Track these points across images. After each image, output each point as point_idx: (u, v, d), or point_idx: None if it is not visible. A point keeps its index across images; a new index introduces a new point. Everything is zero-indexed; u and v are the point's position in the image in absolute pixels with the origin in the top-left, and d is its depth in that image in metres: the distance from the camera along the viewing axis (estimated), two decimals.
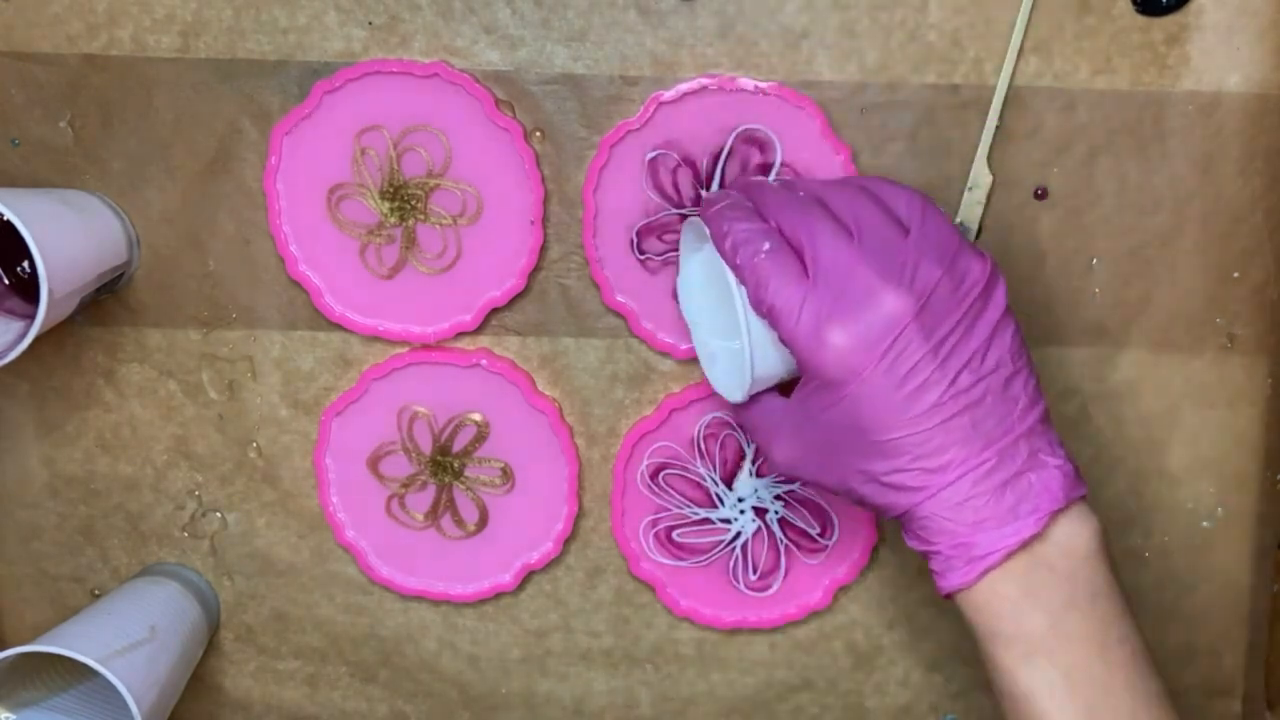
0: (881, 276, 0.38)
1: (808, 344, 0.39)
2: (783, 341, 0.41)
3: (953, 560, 0.39)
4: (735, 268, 0.41)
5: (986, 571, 0.39)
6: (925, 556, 0.40)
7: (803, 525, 0.55)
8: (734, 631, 0.57)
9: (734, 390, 0.45)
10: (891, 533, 0.56)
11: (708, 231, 0.43)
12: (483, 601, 0.56)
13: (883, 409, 0.38)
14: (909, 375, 0.38)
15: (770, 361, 0.43)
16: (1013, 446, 0.39)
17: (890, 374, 0.38)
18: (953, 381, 0.38)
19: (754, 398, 0.45)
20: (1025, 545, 0.39)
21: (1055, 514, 0.39)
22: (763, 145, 0.52)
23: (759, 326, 0.42)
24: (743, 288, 0.42)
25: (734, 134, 0.52)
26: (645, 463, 0.55)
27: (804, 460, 0.42)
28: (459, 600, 0.56)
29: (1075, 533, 0.39)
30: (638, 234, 0.53)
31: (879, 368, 0.38)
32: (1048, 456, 0.39)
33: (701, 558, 0.56)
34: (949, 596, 0.40)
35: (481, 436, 0.55)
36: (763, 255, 0.40)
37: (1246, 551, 0.56)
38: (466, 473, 0.55)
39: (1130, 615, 0.40)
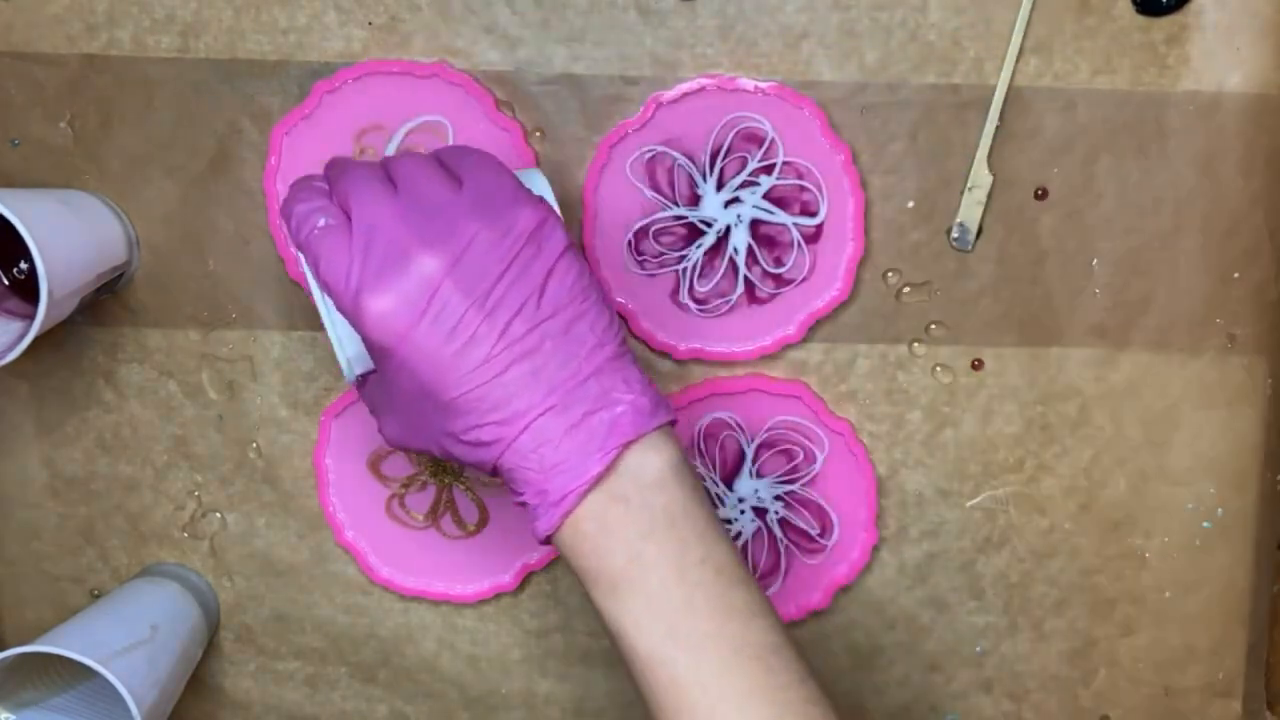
0: (416, 236, 0.38)
1: (353, 314, 0.39)
2: (341, 314, 0.40)
3: (538, 509, 0.39)
4: (299, 248, 0.40)
5: (567, 513, 0.39)
6: (522, 509, 0.40)
7: (803, 526, 0.55)
8: None
9: (342, 364, 0.44)
10: (892, 533, 0.56)
11: None
12: (483, 601, 0.56)
13: (437, 369, 0.38)
14: (454, 332, 0.38)
15: (360, 340, 0.42)
16: (579, 388, 0.39)
17: (434, 333, 0.38)
18: (504, 332, 0.38)
19: (364, 379, 0.44)
20: (598, 483, 0.39)
21: (624, 447, 0.39)
22: (762, 143, 0.52)
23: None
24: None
25: (732, 130, 0.52)
26: None
27: (404, 432, 0.42)
28: (459, 600, 0.56)
29: (646, 462, 0.39)
30: (635, 235, 0.53)
31: (420, 328, 0.38)
32: (621, 394, 0.39)
33: None
34: (546, 543, 0.40)
35: None
36: (316, 232, 0.39)
37: (1246, 551, 0.56)
38: (466, 473, 0.55)
39: (717, 534, 0.40)
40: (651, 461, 0.39)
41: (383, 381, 0.42)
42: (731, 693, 0.38)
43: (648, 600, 0.39)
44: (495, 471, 0.40)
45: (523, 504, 0.40)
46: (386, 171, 0.41)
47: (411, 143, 0.52)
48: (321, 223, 0.40)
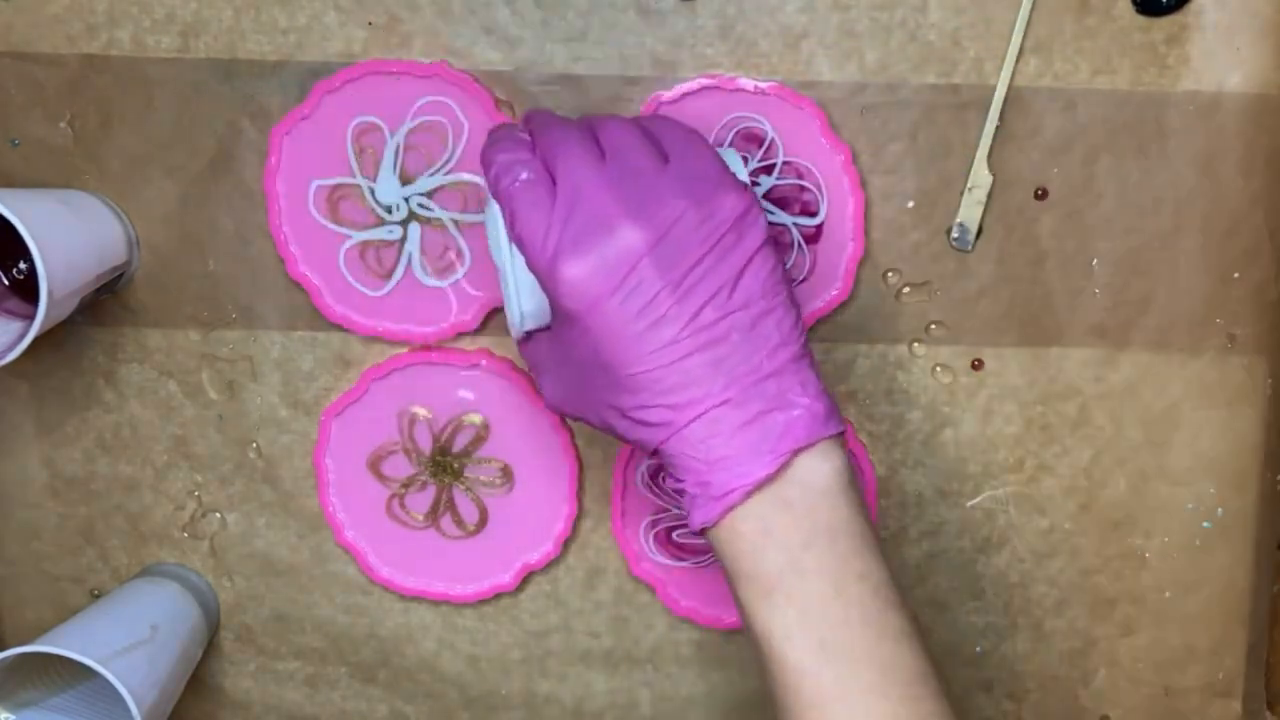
0: (622, 206, 0.38)
1: (547, 275, 0.38)
2: (533, 272, 0.40)
3: (697, 499, 0.39)
4: (496, 197, 0.40)
5: (729, 510, 0.38)
6: (679, 495, 0.40)
7: None
8: (734, 632, 0.57)
9: (512, 328, 0.44)
10: (891, 533, 0.56)
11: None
12: (483, 601, 0.56)
13: (621, 343, 0.38)
14: (646, 309, 0.37)
15: (540, 297, 0.42)
16: (758, 385, 0.38)
17: (626, 307, 0.37)
18: (694, 317, 0.37)
19: (531, 335, 0.44)
20: (765, 484, 0.38)
21: (796, 453, 0.38)
22: (762, 143, 0.52)
23: (525, 261, 0.41)
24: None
25: (732, 130, 0.52)
26: (645, 463, 0.55)
27: (567, 398, 0.42)
28: (459, 600, 0.56)
29: (815, 469, 0.38)
30: None
31: (613, 300, 0.37)
32: (797, 397, 0.38)
33: (702, 558, 0.55)
34: (700, 534, 0.40)
35: (481, 437, 0.55)
36: (518, 184, 0.39)
37: (1246, 551, 0.56)
38: (466, 473, 0.55)
39: (875, 552, 0.39)
40: (821, 469, 0.39)
41: (557, 343, 0.41)
42: (874, 713, 0.38)
43: (802, 611, 0.38)
44: (656, 453, 0.39)
45: (680, 491, 0.39)
46: (593, 133, 0.40)
47: (412, 143, 0.52)
48: (525, 175, 0.39)
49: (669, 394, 0.38)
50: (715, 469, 0.38)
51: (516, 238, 0.39)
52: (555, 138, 0.40)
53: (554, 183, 0.39)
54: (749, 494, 0.38)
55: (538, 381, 0.44)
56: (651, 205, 0.38)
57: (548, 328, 0.43)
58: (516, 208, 0.39)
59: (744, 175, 0.42)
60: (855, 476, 0.40)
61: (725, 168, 0.40)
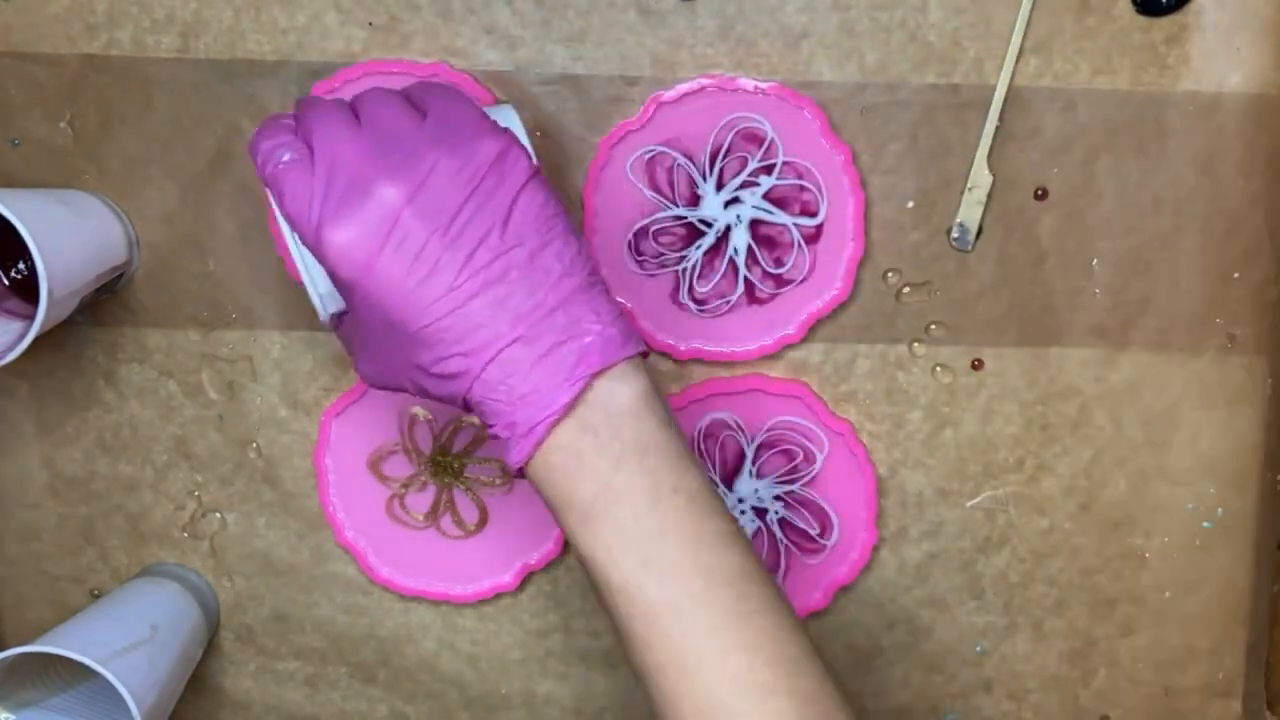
0: (377, 167, 0.38)
1: (316, 249, 0.38)
2: (306, 248, 0.40)
3: (509, 441, 0.39)
4: (264, 184, 0.40)
5: (537, 444, 0.39)
6: (495, 441, 0.40)
7: (803, 526, 0.55)
8: None
9: (320, 315, 0.44)
10: (891, 533, 0.56)
11: None
12: (483, 601, 0.56)
13: (402, 300, 0.38)
14: (417, 261, 0.38)
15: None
16: (546, 319, 0.38)
17: (396, 263, 0.38)
18: (467, 261, 0.38)
19: (340, 318, 0.44)
20: (567, 413, 0.38)
21: (593, 378, 0.38)
22: (762, 143, 0.52)
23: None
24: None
25: (732, 130, 0.52)
26: None
27: (378, 371, 0.42)
28: (459, 600, 0.56)
29: (615, 391, 0.39)
30: (634, 235, 0.53)
31: (382, 258, 0.38)
32: (590, 324, 0.39)
33: None
34: (521, 475, 0.40)
35: (481, 437, 0.55)
36: (280, 166, 0.39)
37: (1246, 551, 0.56)
38: (466, 473, 0.55)
39: (687, 463, 0.40)
40: (621, 391, 0.39)
41: (353, 319, 0.41)
42: (704, 620, 0.38)
43: (619, 530, 0.39)
44: (468, 407, 0.40)
45: (495, 437, 0.40)
46: (352, 107, 0.41)
47: None
48: (286, 157, 0.39)
49: (460, 341, 0.38)
50: (518, 407, 0.38)
51: (285, 216, 0.39)
52: (311, 114, 0.40)
53: (313, 158, 0.39)
54: (553, 425, 0.38)
55: (353, 359, 0.44)
56: (405, 161, 0.38)
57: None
58: (282, 188, 0.39)
59: (517, 128, 0.43)
60: (659, 394, 0.40)
61: (483, 116, 0.40)
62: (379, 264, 0.38)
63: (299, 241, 0.41)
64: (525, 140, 0.43)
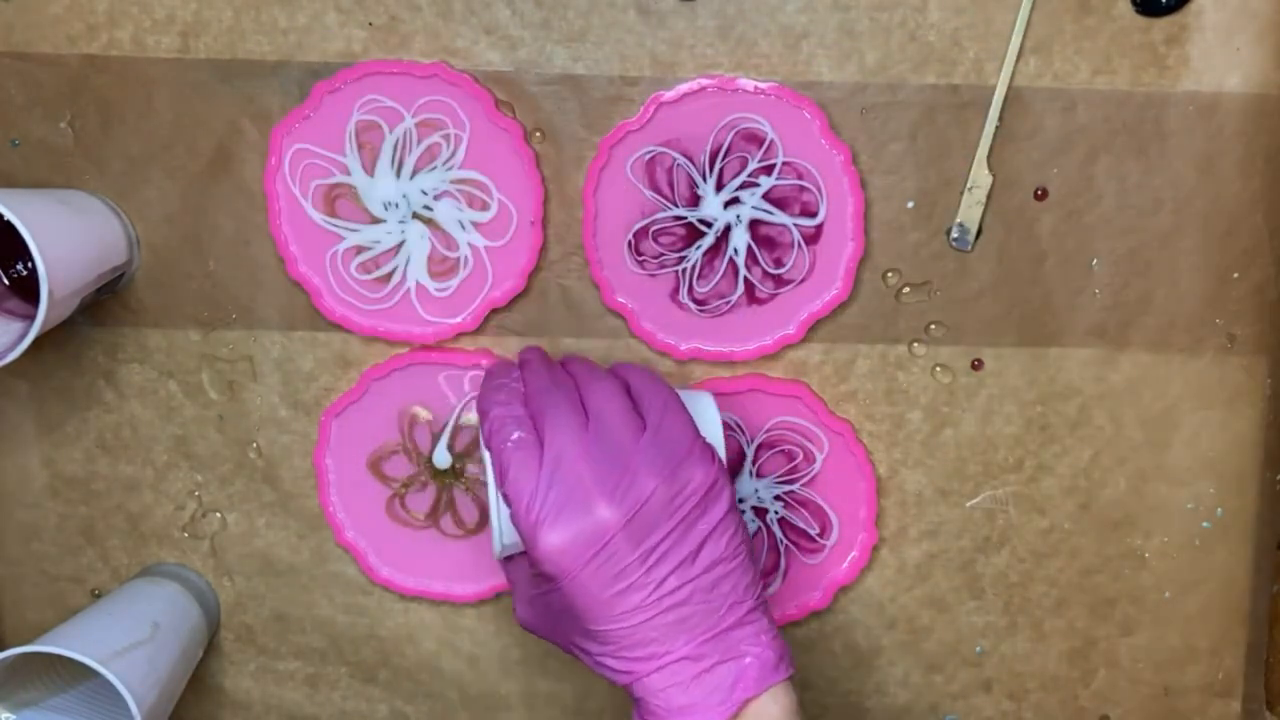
0: (599, 485, 0.41)
1: (529, 538, 0.42)
2: (516, 529, 0.43)
3: None
4: (488, 449, 0.44)
5: None
6: None
7: (802, 525, 0.55)
8: None
9: (494, 548, 0.47)
10: (891, 533, 0.56)
11: None
12: (483, 601, 0.56)
13: (591, 605, 0.42)
14: (616, 578, 0.41)
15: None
16: (715, 639, 0.42)
17: (597, 577, 0.41)
18: (659, 585, 0.41)
19: (512, 557, 0.48)
20: None
21: (748, 701, 0.42)
22: (762, 143, 0.52)
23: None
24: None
25: (732, 130, 0.52)
26: None
27: (539, 624, 0.46)
28: (459, 600, 0.56)
29: (765, 713, 0.42)
30: (635, 235, 0.53)
31: (587, 570, 0.41)
32: (749, 646, 0.42)
33: None
34: None
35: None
36: (510, 444, 0.43)
37: (1246, 551, 0.56)
38: (467, 473, 0.55)
39: None
40: (769, 711, 0.42)
41: (534, 584, 0.45)
42: None
43: None
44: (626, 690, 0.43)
45: None
46: (579, 389, 0.44)
47: (412, 142, 0.52)
48: (515, 436, 0.43)
49: (633, 649, 0.42)
50: (674, 716, 0.42)
51: (503, 495, 0.42)
52: (546, 401, 0.44)
53: (540, 444, 0.42)
54: None
55: (513, 598, 0.48)
56: (626, 481, 0.41)
57: (524, 551, 0.46)
58: (505, 467, 0.42)
59: (717, 424, 0.46)
60: (802, 714, 0.43)
61: (697, 435, 0.43)
62: (583, 573, 0.41)
63: (501, 500, 0.44)
64: (719, 429, 0.46)
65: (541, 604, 0.45)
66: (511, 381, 0.46)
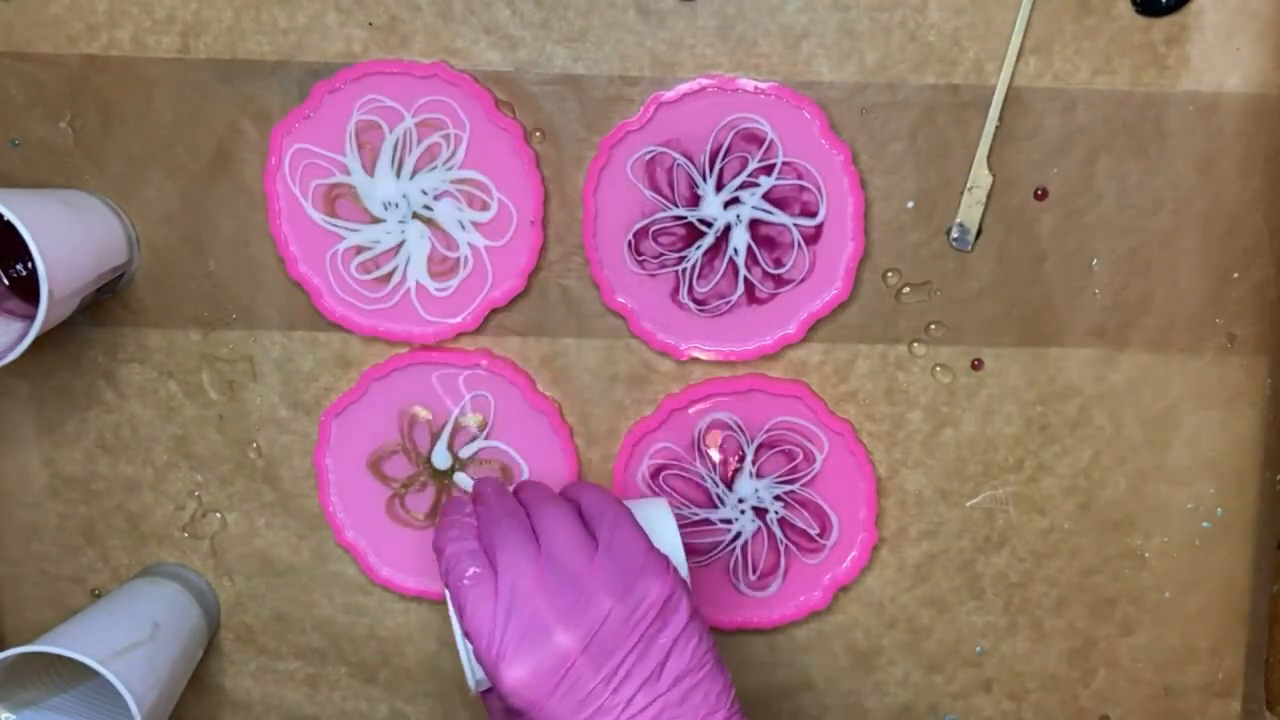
0: (554, 611, 0.41)
1: (493, 674, 0.42)
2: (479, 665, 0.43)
3: None
4: (446, 587, 0.44)
5: None
6: None
7: (803, 526, 0.55)
8: (734, 632, 0.57)
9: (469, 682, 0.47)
10: (891, 533, 0.56)
11: None
12: None
13: None
14: (583, 703, 0.41)
15: None
16: None
17: (564, 704, 0.41)
18: (627, 704, 0.41)
19: (488, 690, 0.48)
20: None
21: None
22: (761, 143, 0.52)
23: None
24: None
25: (732, 130, 0.52)
26: (646, 463, 0.55)
27: None
28: None
29: None
30: (635, 235, 0.53)
31: (553, 699, 0.41)
32: None
33: (701, 558, 0.55)
34: None
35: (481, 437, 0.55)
36: (466, 581, 0.43)
37: (1246, 551, 0.56)
38: (467, 473, 0.55)
39: None
40: None
41: (508, 716, 0.46)
42: None
43: None
44: None
45: None
46: (528, 514, 0.44)
47: (412, 142, 0.52)
48: (470, 572, 0.43)
49: None
50: None
51: (465, 632, 0.42)
52: (497, 532, 0.44)
53: (495, 577, 0.42)
54: None
55: None
56: (581, 605, 0.41)
57: None
58: (464, 603, 0.42)
59: (673, 531, 0.46)
60: None
61: (650, 548, 0.43)
62: (549, 702, 0.41)
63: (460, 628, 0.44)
64: (675, 535, 0.46)
65: None
66: (464, 516, 0.46)
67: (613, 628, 0.41)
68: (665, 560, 0.43)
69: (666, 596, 0.42)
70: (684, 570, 0.45)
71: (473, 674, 0.45)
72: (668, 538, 0.46)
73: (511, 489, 0.48)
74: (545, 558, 0.43)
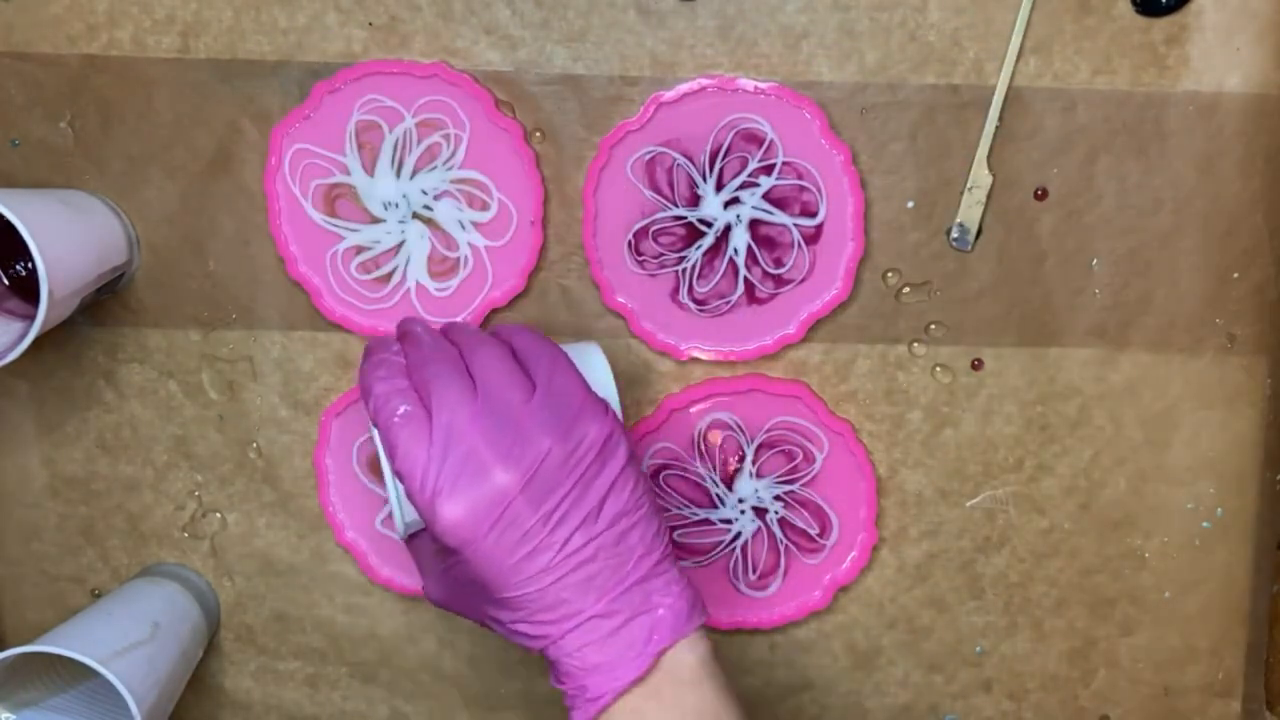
0: (492, 449, 0.40)
1: (427, 512, 0.41)
2: (412, 505, 0.42)
3: (575, 700, 0.42)
4: (375, 426, 0.42)
5: (602, 710, 0.41)
6: (559, 687, 0.43)
7: (802, 526, 0.55)
8: (734, 632, 0.57)
9: (397, 528, 0.46)
10: (891, 533, 0.56)
11: None
12: None
13: (497, 572, 0.40)
14: (519, 543, 0.40)
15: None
16: (625, 594, 0.41)
17: (500, 543, 0.40)
18: (564, 544, 0.40)
19: (416, 534, 0.47)
20: (635, 682, 0.41)
21: (663, 651, 0.41)
22: (761, 143, 0.52)
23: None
24: None
25: (732, 130, 0.52)
26: (646, 463, 0.55)
27: (449, 598, 0.45)
28: None
29: (681, 661, 0.42)
30: (635, 235, 0.53)
31: (489, 538, 0.40)
32: (661, 598, 0.42)
33: (701, 558, 0.56)
34: None
35: None
36: (397, 419, 0.41)
37: (1246, 551, 0.56)
38: None
39: None
40: (685, 660, 0.42)
41: (439, 558, 0.44)
42: None
43: None
44: (542, 655, 0.42)
45: (561, 688, 0.42)
46: (461, 356, 0.43)
47: (412, 142, 0.52)
48: (401, 410, 0.41)
49: (543, 612, 0.41)
50: (590, 674, 0.41)
51: (396, 471, 0.41)
52: (430, 372, 0.42)
53: (429, 415, 0.41)
54: (620, 694, 0.41)
55: (421, 577, 0.47)
56: (520, 444, 0.40)
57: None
58: (395, 443, 0.41)
59: (609, 377, 0.46)
60: (718, 659, 0.43)
61: (588, 391, 0.42)
62: (485, 541, 0.40)
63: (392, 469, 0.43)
64: (613, 384, 0.46)
65: (449, 578, 0.44)
66: (392, 355, 0.44)
67: (551, 468, 0.40)
68: (603, 403, 0.42)
69: (605, 438, 0.41)
70: (619, 412, 0.45)
71: (402, 517, 0.44)
72: (603, 382, 0.46)
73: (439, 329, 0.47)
74: (481, 397, 0.41)
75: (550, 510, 0.40)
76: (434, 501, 0.40)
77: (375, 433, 0.43)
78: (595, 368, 0.46)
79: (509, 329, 0.46)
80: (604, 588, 0.41)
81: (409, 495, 0.41)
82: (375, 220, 0.53)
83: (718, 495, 0.55)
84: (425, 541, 0.47)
